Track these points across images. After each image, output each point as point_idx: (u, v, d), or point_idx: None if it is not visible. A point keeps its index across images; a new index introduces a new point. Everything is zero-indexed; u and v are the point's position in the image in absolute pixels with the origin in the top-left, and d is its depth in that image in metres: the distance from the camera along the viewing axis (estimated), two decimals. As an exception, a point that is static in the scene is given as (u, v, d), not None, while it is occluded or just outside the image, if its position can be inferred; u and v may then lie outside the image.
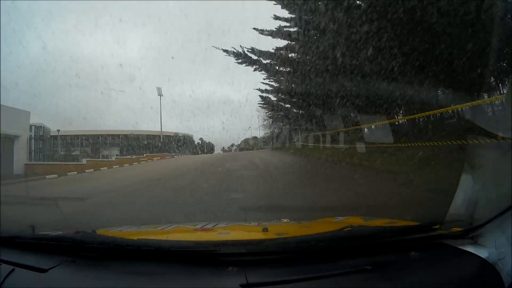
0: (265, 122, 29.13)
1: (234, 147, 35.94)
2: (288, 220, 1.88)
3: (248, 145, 35.22)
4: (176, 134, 32.06)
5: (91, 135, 29.79)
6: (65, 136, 27.17)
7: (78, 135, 29.21)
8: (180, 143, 31.87)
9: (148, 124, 29.34)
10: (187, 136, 33.52)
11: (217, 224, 1.58)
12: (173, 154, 27.91)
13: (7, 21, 24.10)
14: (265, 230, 1.27)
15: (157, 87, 25.97)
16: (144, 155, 25.28)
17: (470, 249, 1.06)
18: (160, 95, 26.32)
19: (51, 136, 25.34)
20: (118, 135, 30.67)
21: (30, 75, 31.04)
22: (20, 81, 28.78)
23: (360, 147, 9.10)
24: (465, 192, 1.28)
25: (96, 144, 29.39)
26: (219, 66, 42.15)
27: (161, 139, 30.48)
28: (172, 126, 34.17)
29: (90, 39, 43.43)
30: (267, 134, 31.53)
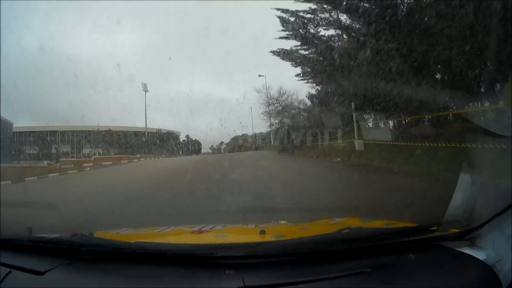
0: (270, 108, 18.15)
1: (224, 145, 34.54)
2: (286, 222, 1.92)
3: (247, 142, 29.25)
4: (159, 131, 29.62)
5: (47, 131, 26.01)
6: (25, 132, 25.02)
7: (36, 131, 25.93)
8: (159, 142, 28.90)
9: (143, 122, 28.42)
10: (172, 133, 30.95)
11: (214, 226, 1.63)
12: (139, 156, 23.43)
13: (6, 21, 23.75)
14: (262, 232, 1.31)
15: (142, 83, 25.25)
16: (92, 157, 21.50)
17: (468, 251, 1.11)
18: (146, 90, 25.63)
19: (14, 132, 23.71)
20: (89, 131, 27.26)
21: (29, 75, 30.10)
22: (19, 81, 27.77)
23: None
24: (463, 192, 1.35)
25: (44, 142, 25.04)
26: (216, 65, 42.23)
27: (136, 136, 28.18)
28: (170, 124, 33.73)
29: (88, 39, 43.26)
30: (272, 128, 19.99)
